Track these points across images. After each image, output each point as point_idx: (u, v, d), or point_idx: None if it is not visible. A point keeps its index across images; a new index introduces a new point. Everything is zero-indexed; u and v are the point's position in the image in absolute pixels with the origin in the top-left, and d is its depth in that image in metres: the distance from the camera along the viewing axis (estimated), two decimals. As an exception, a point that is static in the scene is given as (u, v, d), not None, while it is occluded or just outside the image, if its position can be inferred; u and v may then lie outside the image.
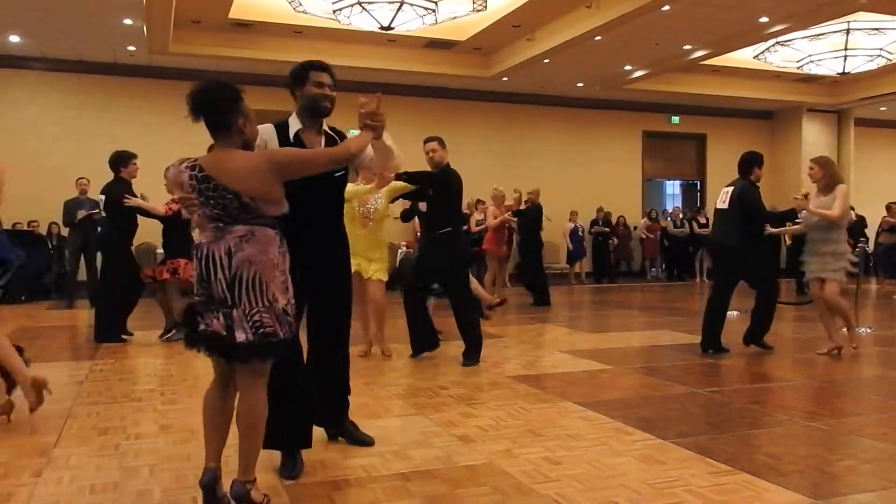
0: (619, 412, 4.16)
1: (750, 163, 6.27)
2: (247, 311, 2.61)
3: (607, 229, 15.41)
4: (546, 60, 12.54)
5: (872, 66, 13.14)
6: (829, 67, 13.21)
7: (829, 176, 6.04)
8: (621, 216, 15.83)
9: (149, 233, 9.93)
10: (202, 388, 4.86)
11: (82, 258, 10.27)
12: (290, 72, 3.25)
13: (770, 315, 6.34)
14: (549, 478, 3.04)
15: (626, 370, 5.57)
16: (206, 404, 2.80)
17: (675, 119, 17.06)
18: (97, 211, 10.22)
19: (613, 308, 10.63)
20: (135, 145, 12.70)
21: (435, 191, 5.73)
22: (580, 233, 15.06)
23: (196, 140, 13.97)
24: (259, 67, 12.96)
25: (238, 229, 2.63)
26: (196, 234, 2.92)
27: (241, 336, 2.59)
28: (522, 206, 10.45)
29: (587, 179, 16.18)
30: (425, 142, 5.73)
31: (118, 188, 6.76)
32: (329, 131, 3.29)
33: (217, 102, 2.68)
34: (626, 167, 16.75)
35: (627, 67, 13.65)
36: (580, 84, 14.77)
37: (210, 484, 2.61)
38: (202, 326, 2.65)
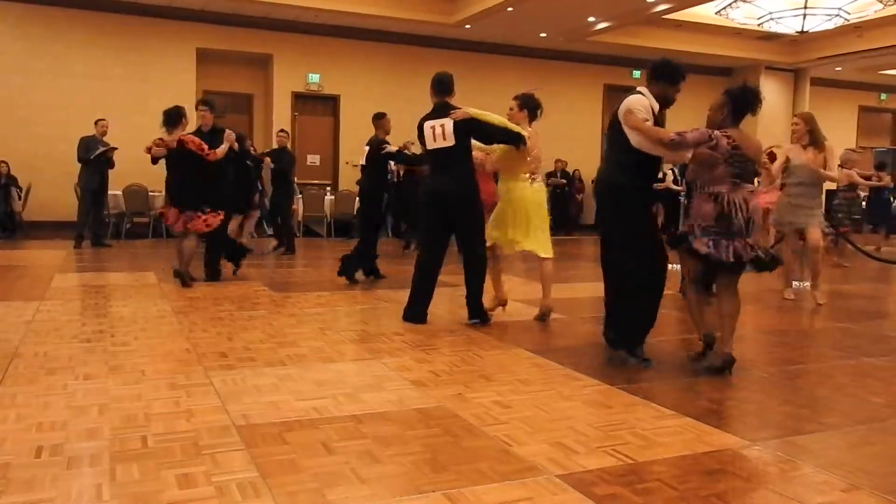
0: (570, 359, 4.25)
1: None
2: (749, 241, 3.91)
3: (564, 181, 15.48)
4: (510, 9, 12.37)
5: (830, 25, 13.27)
6: (789, 25, 13.31)
7: (812, 131, 6.35)
8: (577, 169, 15.89)
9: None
10: (152, 329, 4.86)
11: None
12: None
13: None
14: (498, 420, 3.11)
15: (578, 319, 5.67)
16: (692, 299, 4.24)
17: (637, 73, 17.04)
18: (114, 147, 10.18)
19: (569, 260, 10.75)
20: (82, 80, 12.40)
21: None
22: (539, 185, 15.11)
23: (145, 76, 13.42)
24: (212, 5, 12.55)
25: (748, 186, 3.98)
26: None
27: (745, 256, 3.89)
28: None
29: (547, 132, 16.05)
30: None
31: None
32: None
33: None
34: (586, 120, 16.75)
35: (591, 19, 13.55)
36: (543, 35, 14.64)
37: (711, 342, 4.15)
38: (702, 248, 3.90)
